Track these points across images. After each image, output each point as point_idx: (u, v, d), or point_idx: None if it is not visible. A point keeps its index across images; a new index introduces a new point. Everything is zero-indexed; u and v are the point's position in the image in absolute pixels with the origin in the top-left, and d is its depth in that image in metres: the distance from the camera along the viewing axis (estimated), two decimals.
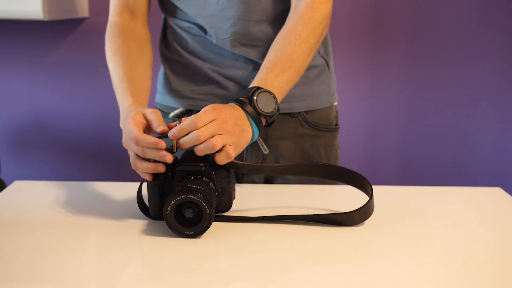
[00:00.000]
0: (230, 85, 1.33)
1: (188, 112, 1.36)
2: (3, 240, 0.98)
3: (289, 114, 1.35)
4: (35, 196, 1.20)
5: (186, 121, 1.04)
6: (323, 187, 1.32)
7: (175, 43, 1.36)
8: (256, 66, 1.31)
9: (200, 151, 1.03)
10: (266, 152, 1.26)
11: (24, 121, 2.38)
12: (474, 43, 2.34)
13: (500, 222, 1.11)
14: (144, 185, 1.11)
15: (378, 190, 1.30)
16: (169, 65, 1.39)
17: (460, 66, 2.35)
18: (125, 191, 1.22)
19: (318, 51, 1.37)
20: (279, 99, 1.17)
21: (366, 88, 2.37)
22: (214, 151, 1.03)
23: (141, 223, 1.06)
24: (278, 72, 1.19)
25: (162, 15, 1.40)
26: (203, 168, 1.02)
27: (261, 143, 1.25)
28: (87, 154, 2.41)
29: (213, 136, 1.03)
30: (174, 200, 0.97)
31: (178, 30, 1.35)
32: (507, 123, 2.39)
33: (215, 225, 1.04)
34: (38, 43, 2.32)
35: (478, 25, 2.32)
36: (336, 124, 1.43)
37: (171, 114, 1.37)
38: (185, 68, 1.36)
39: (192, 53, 1.34)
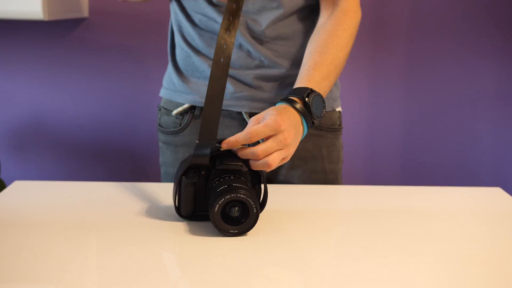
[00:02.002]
0: (233, 81, 1.33)
1: (191, 109, 1.36)
2: (3, 240, 0.98)
3: None
4: (35, 196, 1.20)
5: (242, 133, 1.03)
6: (326, 187, 1.32)
7: (181, 39, 1.36)
8: (262, 64, 1.31)
9: (256, 167, 1.04)
10: None
11: (24, 121, 2.38)
12: (474, 43, 2.34)
13: (500, 222, 1.11)
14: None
15: (378, 190, 1.30)
16: (174, 61, 1.39)
17: (460, 66, 2.35)
18: (125, 191, 1.22)
19: None
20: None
21: (366, 88, 2.37)
22: (269, 170, 1.04)
23: (141, 223, 1.06)
24: (324, 75, 1.20)
25: (171, 10, 1.39)
26: (243, 168, 1.02)
27: None
28: (87, 154, 2.41)
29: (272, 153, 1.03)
30: (224, 199, 0.97)
31: (186, 24, 1.35)
32: (507, 123, 2.39)
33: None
34: (38, 43, 2.32)
35: (478, 25, 2.32)
36: (340, 125, 1.43)
37: (174, 112, 1.38)
38: (190, 64, 1.36)
39: (198, 49, 1.35)
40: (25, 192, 1.23)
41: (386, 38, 2.33)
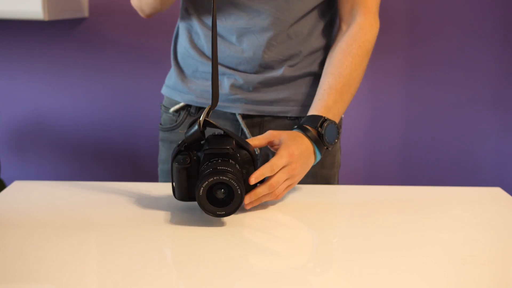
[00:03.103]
0: (226, 82, 1.33)
1: (187, 107, 1.37)
2: (3, 240, 0.98)
3: (286, 117, 1.36)
4: (35, 196, 1.20)
5: (266, 167, 1.09)
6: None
7: (187, 39, 1.37)
8: (263, 67, 1.31)
9: (266, 199, 1.11)
10: (257, 152, 1.28)
11: (24, 121, 2.38)
12: (474, 43, 2.34)
13: (500, 222, 1.11)
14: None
15: (378, 190, 1.30)
16: (176, 60, 1.40)
17: (460, 66, 2.35)
18: (125, 191, 1.22)
19: (322, 63, 1.36)
20: (337, 123, 1.24)
21: (366, 88, 2.36)
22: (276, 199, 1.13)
23: (141, 223, 1.06)
24: (338, 98, 1.25)
25: (181, 10, 1.40)
26: (231, 151, 1.06)
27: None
28: (87, 154, 2.41)
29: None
30: (207, 182, 1.00)
31: (196, 24, 1.35)
32: (507, 123, 2.39)
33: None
34: (38, 43, 2.32)
35: (478, 25, 2.32)
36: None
37: (172, 109, 1.40)
38: (191, 64, 1.37)
39: (202, 50, 1.35)
40: (25, 192, 1.23)
41: (386, 38, 2.33)
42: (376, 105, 2.39)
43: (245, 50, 1.30)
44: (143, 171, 2.39)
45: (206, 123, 1.08)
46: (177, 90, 1.38)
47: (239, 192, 1.01)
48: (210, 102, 1.32)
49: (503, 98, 2.37)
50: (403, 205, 1.19)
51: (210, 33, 1.32)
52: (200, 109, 1.37)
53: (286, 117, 1.35)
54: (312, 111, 1.25)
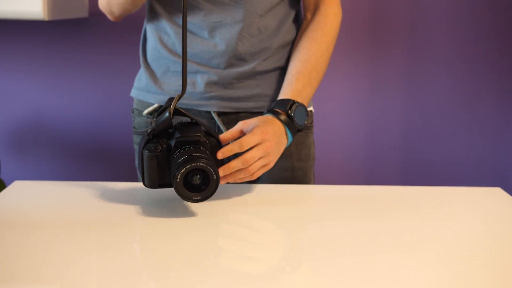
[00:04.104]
0: (200, 80, 1.34)
1: (160, 108, 1.37)
2: (3, 240, 0.98)
3: (261, 112, 1.36)
4: (35, 196, 1.20)
5: (235, 143, 1.12)
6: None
7: (157, 39, 1.37)
8: (237, 60, 1.32)
9: (242, 178, 1.13)
10: None
11: (24, 121, 2.38)
12: (474, 43, 2.34)
13: (500, 222, 1.11)
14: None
15: (378, 190, 1.30)
16: (146, 61, 1.40)
17: (460, 66, 2.35)
18: (125, 191, 1.22)
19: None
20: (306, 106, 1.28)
21: (366, 89, 2.36)
22: (252, 179, 1.15)
23: (141, 222, 1.06)
24: (306, 83, 1.30)
25: (147, 11, 1.40)
26: (202, 139, 1.08)
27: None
28: (87, 154, 2.41)
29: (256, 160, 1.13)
30: (184, 169, 1.03)
31: (165, 24, 1.36)
32: (507, 123, 2.39)
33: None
34: (38, 43, 2.32)
35: (478, 25, 2.32)
36: (311, 122, 1.43)
37: (145, 111, 1.40)
38: (162, 64, 1.37)
39: (172, 48, 1.36)
40: (25, 192, 1.23)
41: (386, 38, 2.33)
42: (376, 105, 2.39)
43: (217, 43, 1.32)
44: None
45: (176, 112, 1.10)
46: (149, 92, 1.39)
47: (214, 178, 1.04)
48: (184, 101, 1.34)
49: (503, 98, 2.37)
50: (403, 205, 1.19)
51: (181, 30, 1.33)
52: (176, 110, 1.36)
53: (261, 112, 1.36)
54: (281, 96, 1.29)
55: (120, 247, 0.96)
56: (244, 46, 1.32)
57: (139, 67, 1.45)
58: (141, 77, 1.42)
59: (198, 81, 1.34)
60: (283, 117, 1.23)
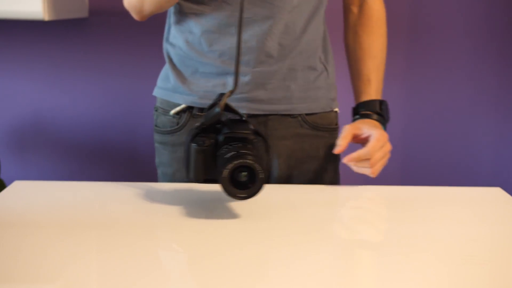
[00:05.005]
0: (230, 81, 1.32)
1: (189, 109, 1.36)
2: (3, 240, 0.98)
3: (289, 115, 1.36)
4: (35, 196, 1.20)
5: (364, 150, 1.25)
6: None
7: (182, 41, 1.36)
8: (267, 59, 1.32)
9: (363, 170, 1.27)
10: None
11: (24, 121, 2.38)
12: (474, 43, 2.34)
13: (500, 222, 1.11)
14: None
15: (378, 190, 1.30)
16: (171, 62, 1.38)
17: (460, 66, 2.35)
18: (125, 191, 1.22)
19: (319, 57, 1.38)
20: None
21: None
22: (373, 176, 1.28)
23: (141, 223, 1.06)
24: (379, 78, 1.41)
25: (173, 11, 1.39)
26: (250, 136, 1.08)
27: None
28: (87, 154, 2.41)
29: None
30: (232, 164, 1.02)
31: (187, 24, 1.34)
32: (507, 123, 2.39)
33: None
34: (38, 43, 2.31)
35: (478, 25, 2.32)
36: (336, 124, 1.44)
37: (172, 111, 1.38)
38: (190, 65, 1.36)
39: (201, 50, 1.34)
40: (25, 192, 1.23)
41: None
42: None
43: (247, 39, 1.30)
44: (143, 171, 2.39)
45: (226, 107, 1.10)
46: (177, 92, 1.37)
47: (260, 176, 1.02)
48: (211, 99, 1.32)
49: (503, 98, 2.37)
50: (403, 205, 1.19)
51: (208, 29, 1.32)
52: (203, 110, 1.36)
53: (289, 115, 1.35)
54: (365, 97, 1.39)
55: (120, 247, 0.96)
56: (273, 43, 1.30)
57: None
58: (168, 77, 1.39)
59: (229, 83, 1.33)
60: (376, 117, 1.35)
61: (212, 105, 1.12)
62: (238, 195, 1.03)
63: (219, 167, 1.03)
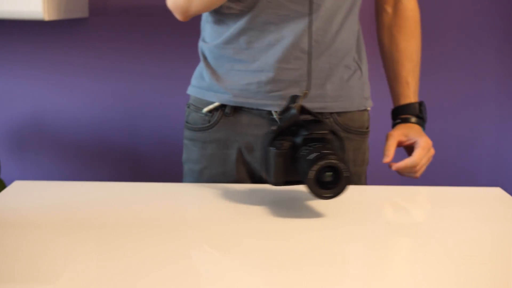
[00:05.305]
0: (265, 78, 1.32)
1: (222, 107, 1.36)
2: (3, 240, 0.98)
3: (322, 114, 1.35)
4: (35, 196, 1.20)
5: (411, 160, 1.38)
6: None
7: (218, 39, 1.36)
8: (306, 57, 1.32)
9: (408, 175, 1.40)
10: None
11: (24, 121, 2.38)
12: (474, 43, 2.34)
13: (500, 222, 1.11)
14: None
15: (378, 190, 1.30)
16: (206, 59, 1.39)
17: (460, 66, 2.35)
18: (125, 191, 1.22)
19: (353, 56, 1.39)
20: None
21: None
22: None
23: (142, 223, 1.06)
24: (416, 80, 1.48)
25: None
26: (328, 136, 1.10)
27: None
28: (87, 154, 2.40)
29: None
30: (318, 165, 1.03)
31: (224, 21, 1.35)
32: (507, 123, 2.39)
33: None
34: (38, 43, 2.31)
35: (478, 24, 2.32)
36: (367, 128, 1.45)
37: (205, 109, 1.38)
38: (224, 64, 1.36)
39: (233, 47, 1.34)
40: (25, 192, 1.23)
41: None
42: (375, 105, 2.38)
43: (284, 36, 1.30)
44: (143, 171, 2.39)
45: (302, 109, 1.12)
46: (211, 91, 1.37)
47: (345, 175, 1.03)
48: (247, 100, 1.33)
49: (503, 98, 2.37)
50: (403, 205, 1.19)
51: (247, 26, 1.32)
52: (236, 108, 1.36)
53: (321, 113, 1.35)
54: (404, 99, 1.46)
55: (120, 247, 0.96)
56: (310, 40, 1.30)
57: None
58: (202, 75, 1.40)
59: (263, 80, 1.32)
60: (418, 121, 1.41)
61: (287, 108, 1.12)
62: (324, 195, 1.04)
63: (303, 169, 1.04)
